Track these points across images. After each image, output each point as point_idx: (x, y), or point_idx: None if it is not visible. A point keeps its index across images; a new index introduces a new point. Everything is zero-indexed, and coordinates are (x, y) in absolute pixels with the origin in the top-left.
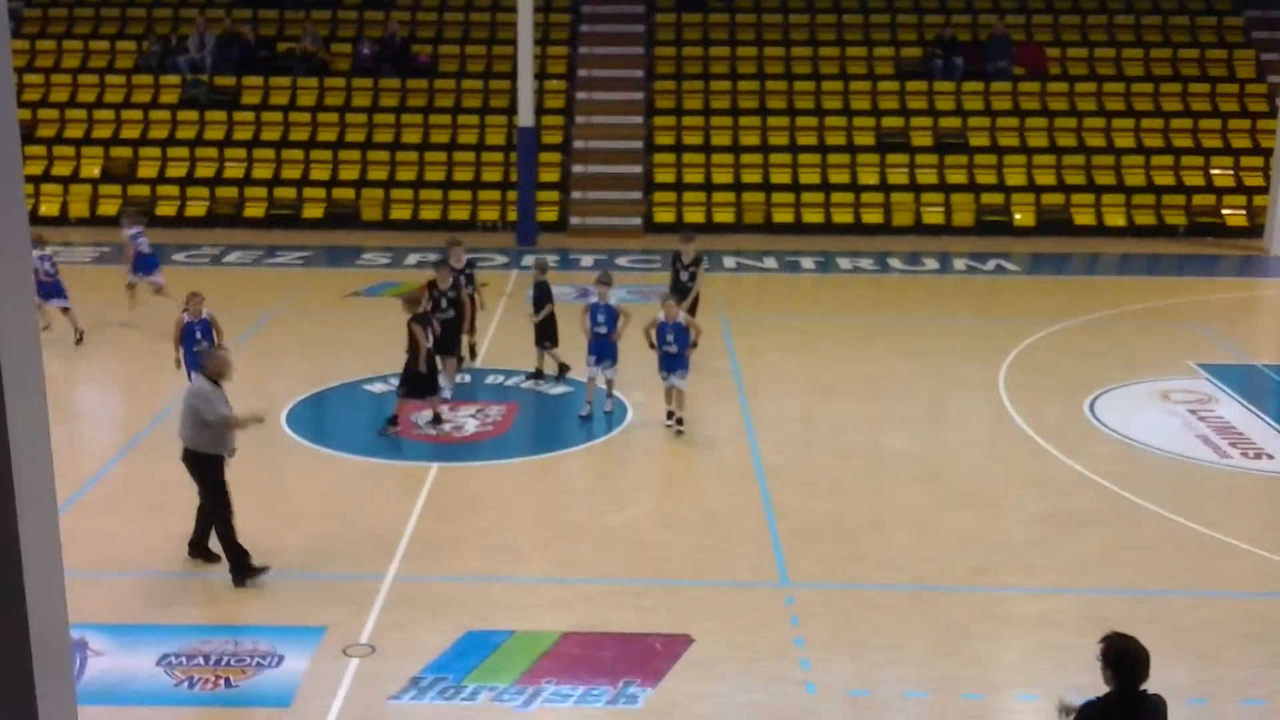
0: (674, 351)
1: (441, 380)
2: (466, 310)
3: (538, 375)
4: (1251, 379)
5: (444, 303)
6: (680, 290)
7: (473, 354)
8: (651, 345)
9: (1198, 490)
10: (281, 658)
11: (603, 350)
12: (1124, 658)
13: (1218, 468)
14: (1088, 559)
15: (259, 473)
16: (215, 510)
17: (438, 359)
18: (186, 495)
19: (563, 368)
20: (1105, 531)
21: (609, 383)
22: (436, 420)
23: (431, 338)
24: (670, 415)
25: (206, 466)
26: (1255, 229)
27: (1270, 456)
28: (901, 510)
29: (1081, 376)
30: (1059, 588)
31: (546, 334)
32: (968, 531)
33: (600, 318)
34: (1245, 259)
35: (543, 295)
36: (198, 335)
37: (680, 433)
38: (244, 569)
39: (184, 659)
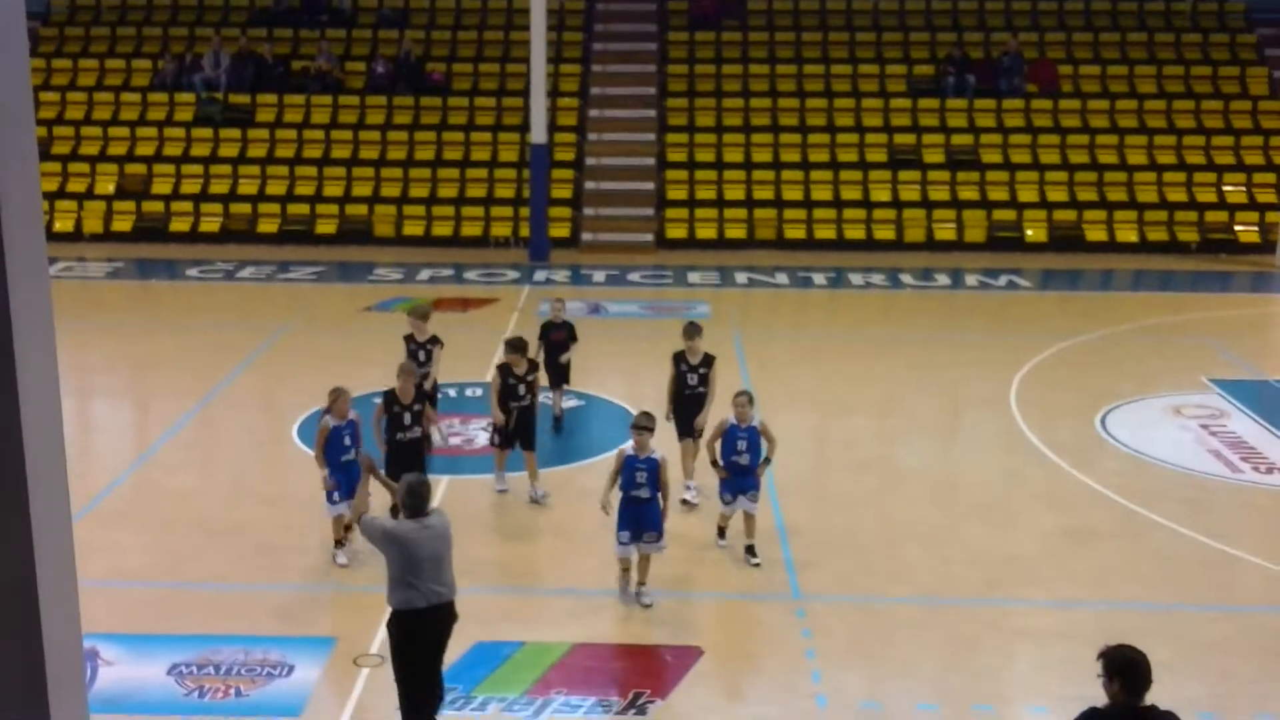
0: (745, 464)
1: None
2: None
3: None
4: (1264, 394)
5: (521, 389)
6: (688, 402)
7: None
8: (716, 463)
9: (1210, 505)
10: (292, 668)
11: (642, 518)
12: (1129, 667)
13: (1230, 482)
14: (1100, 573)
15: (270, 486)
16: None
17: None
18: (198, 506)
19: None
20: (1118, 546)
21: (645, 561)
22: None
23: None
24: (721, 533)
25: None
26: (1268, 245)
27: None
28: (914, 525)
29: (1094, 392)
30: (1071, 601)
31: (564, 376)
32: (980, 545)
33: (640, 476)
34: (1258, 275)
35: (569, 337)
36: (346, 442)
37: (758, 564)
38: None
39: (194, 668)
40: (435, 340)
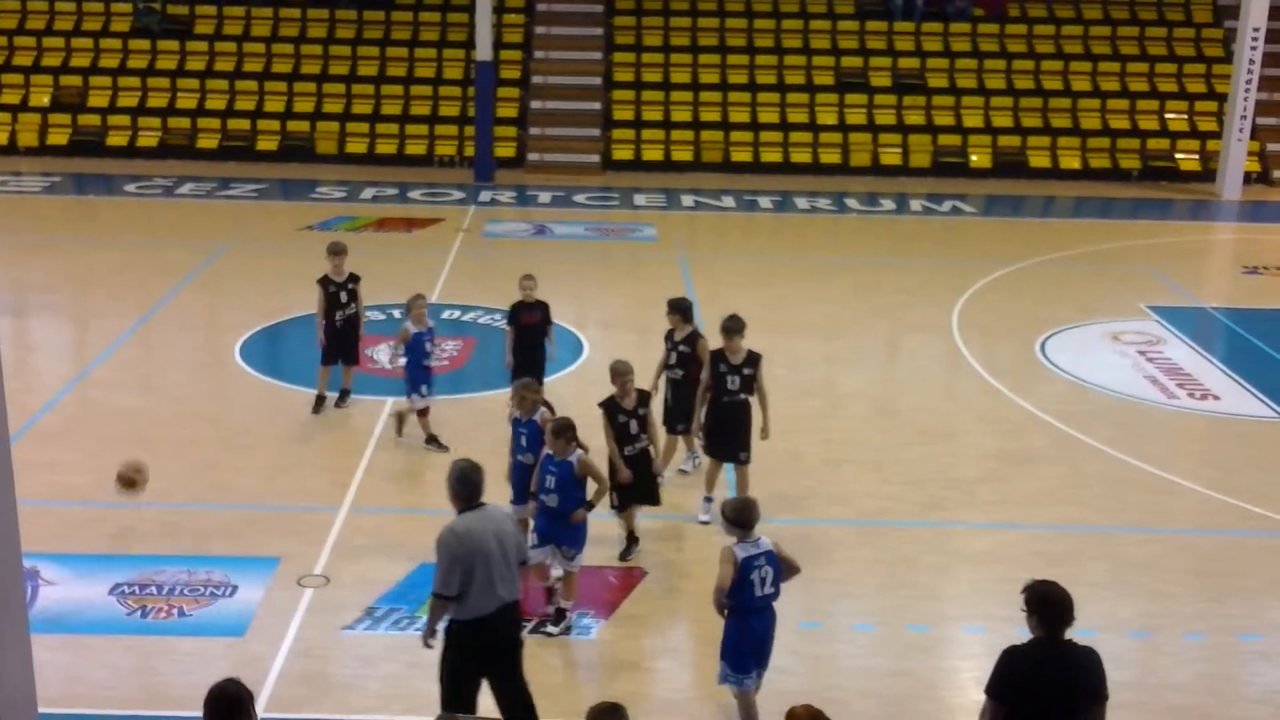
0: (553, 507)
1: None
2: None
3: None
4: (1200, 321)
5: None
6: (729, 410)
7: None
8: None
9: (1145, 430)
10: (236, 588)
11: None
12: (1046, 603)
13: (1165, 408)
14: (1037, 496)
15: (213, 406)
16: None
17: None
18: (139, 425)
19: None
20: (1055, 469)
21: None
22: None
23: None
24: (550, 594)
25: None
26: (1208, 173)
27: (1216, 397)
28: (855, 447)
29: (1034, 317)
30: (1008, 523)
31: (537, 369)
32: (920, 468)
33: (758, 572)
34: (1197, 203)
35: (544, 319)
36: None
37: (551, 634)
38: None
39: (137, 588)
40: (355, 278)
